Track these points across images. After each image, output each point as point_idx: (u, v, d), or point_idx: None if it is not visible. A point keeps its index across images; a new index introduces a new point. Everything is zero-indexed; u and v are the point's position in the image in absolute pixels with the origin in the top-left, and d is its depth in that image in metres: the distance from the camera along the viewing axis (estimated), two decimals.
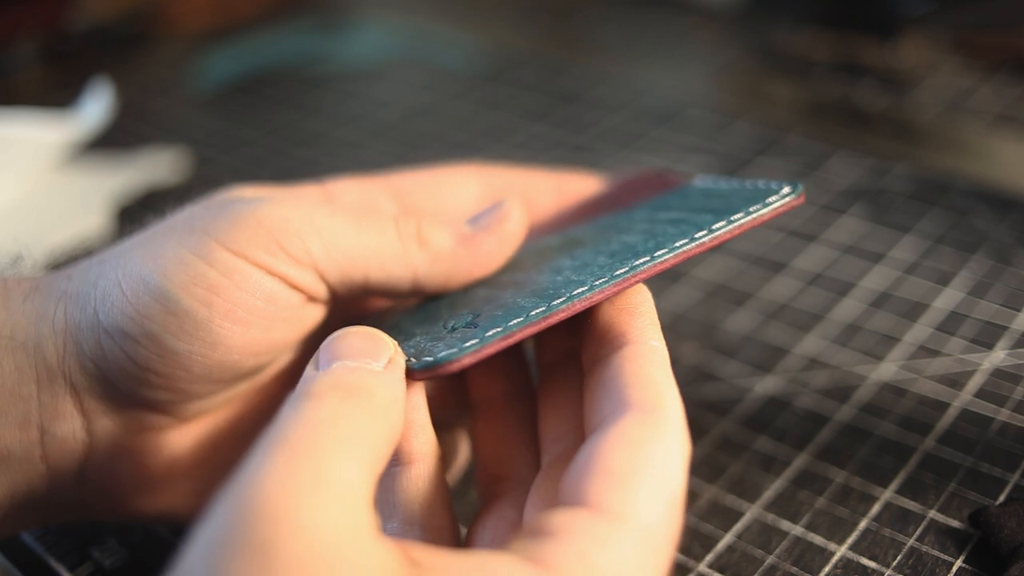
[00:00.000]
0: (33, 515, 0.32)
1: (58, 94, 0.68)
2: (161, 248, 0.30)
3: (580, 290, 0.28)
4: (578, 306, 0.28)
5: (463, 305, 0.31)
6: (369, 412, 0.25)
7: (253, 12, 0.82)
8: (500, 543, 0.27)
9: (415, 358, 0.28)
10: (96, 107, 0.61)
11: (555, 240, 0.34)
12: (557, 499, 0.26)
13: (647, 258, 0.29)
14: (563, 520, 0.24)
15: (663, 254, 0.29)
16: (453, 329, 0.29)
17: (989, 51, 0.65)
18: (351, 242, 0.31)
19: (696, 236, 0.29)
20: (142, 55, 0.77)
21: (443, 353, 0.28)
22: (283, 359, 0.33)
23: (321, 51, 0.76)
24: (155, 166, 0.59)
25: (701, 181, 0.35)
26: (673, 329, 0.45)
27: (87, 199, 0.56)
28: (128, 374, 0.30)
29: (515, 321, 0.28)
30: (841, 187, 0.54)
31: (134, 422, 0.32)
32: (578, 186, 0.38)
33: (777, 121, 0.61)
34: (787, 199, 0.30)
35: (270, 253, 0.30)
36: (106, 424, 0.31)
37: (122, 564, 0.36)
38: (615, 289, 0.28)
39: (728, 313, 0.46)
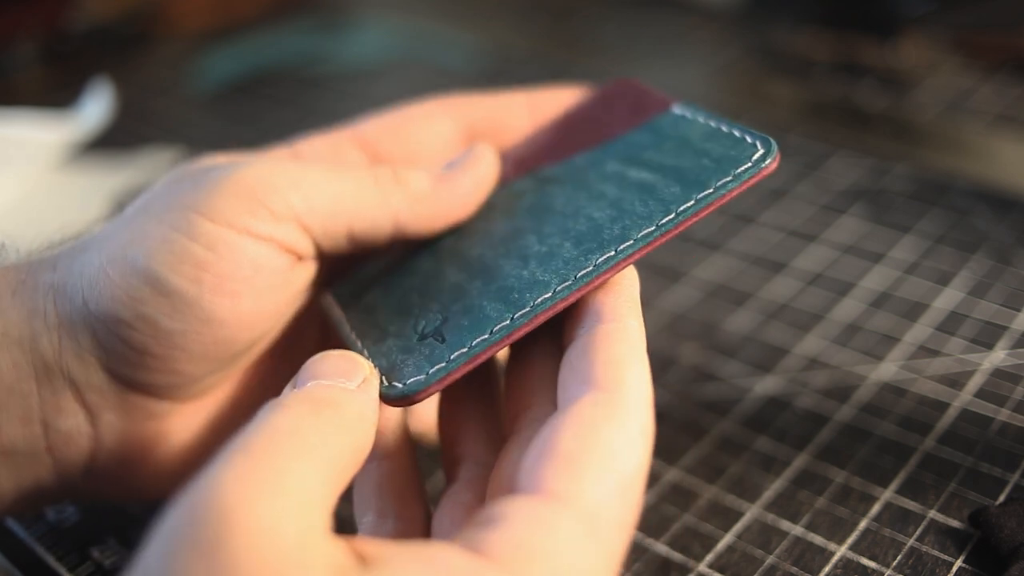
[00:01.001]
0: (42, 502, 0.33)
1: (58, 94, 0.68)
2: (143, 228, 0.30)
3: (543, 298, 0.29)
4: (541, 318, 0.28)
5: (434, 291, 0.31)
6: (335, 424, 0.25)
7: (253, 12, 0.82)
8: (458, 528, 0.27)
9: (386, 378, 0.29)
10: (96, 107, 0.61)
11: (528, 185, 0.34)
12: (514, 484, 0.26)
13: (611, 252, 0.29)
14: (507, 507, 0.24)
15: (627, 247, 0.29)
16: (423, 337, 0.30)
17: (989, 51, 0.65)
18: (330, 191, 0.31)
19: (662, 223, 0.29)
20: (142, 55, 0.77)
21: (411, 381, 0.29)
22: (276, 331, 0.33)
23: (321, 51, 0.76)
24: (155, 166, 0.59)
25: (679, 109, 0.33)
26: (673, 329, 0.45)
27: (87, 199, 0.56)
28: (126, 360, 0.30)
29: (479, 340, 0.29)
30: (841, 187, 0.54)
31: (138, 411, 0.32)
32: (552, 103, 0.38)
33: (777, 121, 0.61)
34: (761, 168, 0.29)
35: (252, 214, 0.30)
36: (110, 417, 0.31)
37: (122, 564, 0.36)
38: (579, 293, 0.28)
39: (728, 313, 0.46)
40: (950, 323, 0.44)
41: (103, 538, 0.37)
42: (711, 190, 0.29)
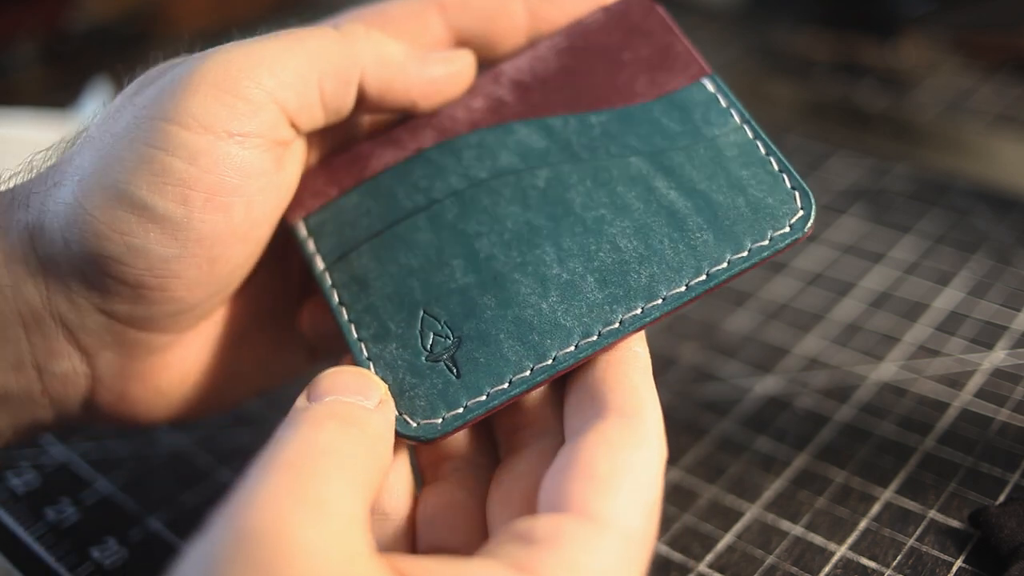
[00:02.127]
0: (40, 433, 0.33)
1: (58, 94, 0.68)
2: (115, 151, 0.28)
3: (566, 352, 0.28)
4: (561, 373, 0.28)
5: (439, 291, 0.30)
6: (363, 443, 0.26)
7: (252, 12, 0.82)
8: (451, 531, 0.28)
9: (398, 406, 0.29)
10: (96, 107, 0.61)
11: (536, 140, 0.32)
12: (534, 499, 0.26)
13: (638, 311, 0.28)
14: (549, 526, 0.24)
15: (654, 308, 0.28)
16: (433, 358, 0.29)
17: (989, 51, 0.65)
18: (297, 54, 0.29)
19: (692, 284, 0.28)
20: (142, 55, 0.77)
21: (425, 423, 0.28)
22: (262, 246, 0.32)
23: None
24: None
25: (711, 86, 0.31)
26: (673, 329, 0.45)
27: None
28: (121, 297, 0.29)
29: (497, 389, 0.28)
30: (841, 187, 0.54)
31: (137, 347, 0.30)
32: (557, 8, 0.34)
33: (777, 121, 0.61)
34: (798, 236, 0.28)
35: (230, 109, 0.28)
36: (108, 355, 0.30)
37: (122, 564, 0.36)
38: (601, 349, 0.28)
39: (728, 313, 0.46)
40: (950, 323, 0.44)
41: (103, 538, 0.37)
42: (745, 254, 0.28)
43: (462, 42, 0.34)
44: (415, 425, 0.29)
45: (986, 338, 0.43)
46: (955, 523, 0.35)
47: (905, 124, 0.60)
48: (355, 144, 0.34)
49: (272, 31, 0.33)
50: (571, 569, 0.23)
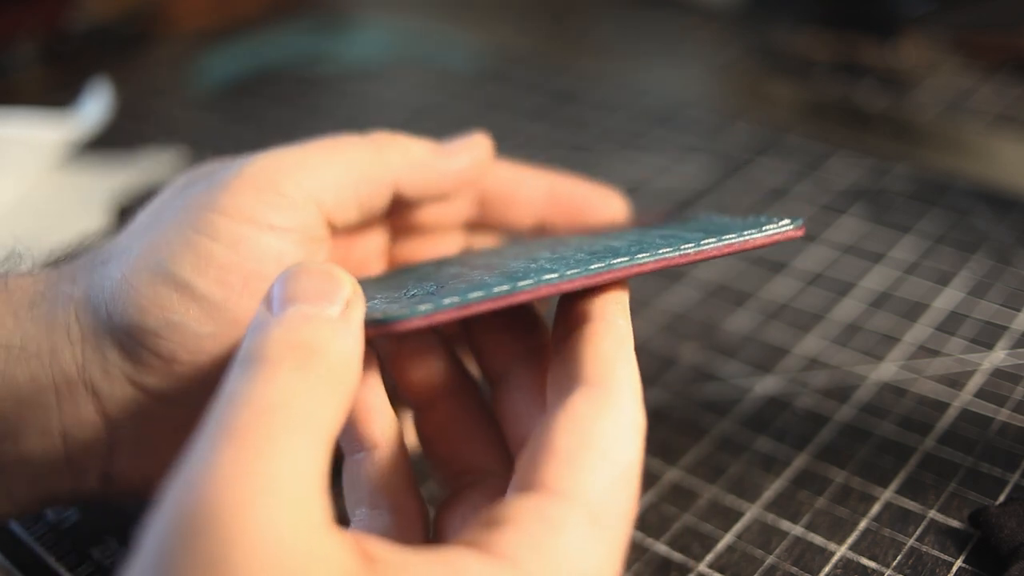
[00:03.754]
0: (54, 505, 0.33)
1: (58, 94, 0.68)
2: (162, 234, 0.30)
3: (549, 276, 0.27)
4: (543, 291, 0.27)
5: (431, 278, 0.31)
6: (324, 381, 0.23)
7: (253, 12, 0.82)
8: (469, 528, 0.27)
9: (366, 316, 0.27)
10: (96, 107, 0.61)
11: (543, 241, 0.34)
12: (514, 484, 0.26)
13: (626, 259, 0.28)
14: (514, 507, 0.24)
15: (644, 257, 0.28)
16: (412, 296, 0.28)
17: (989, 51, 0.65)
18: (337, 161, 0.32)
19: (682, 248, 0.29)
20: (142, 55, 0.77)
21: (395, 312, 0.26)
22: None
23: (321, 51, 0.76)
24: (155, 166, 0.59)
25: (706, 213, 0.35)
26: (673, 329, 0.45)
27: (87, 199, 0.56)
28: (153, 370, 0.30)
29: (476, 294, 0.27)
30: (841, 187, 0.54)
31: (159, 422, 0.31)
32: (574, 194, 0.38)
33: (777, 121, 0.61)
34: (785, 229, 0.29)
35: (270, 205, 0.30)
36: (130, 428, 0.31)
37: (122, 564, 0.36)
38: (586, 281, 0.27)
39: (728, 313, 0.46)
40: (950, 323, 0.44)
41: (103, 538, 0.37)
42: (734, 235, 0.29)
43: (485, 200, 0.38)
44: (380, 316, 0.26)
45: (986, 338, 0.43)
46: (955, 523, 0.35)
47: (905, 124, 0.60)
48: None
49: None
50: (538, 549, 0.23)
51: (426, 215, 0.37)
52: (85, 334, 0.30)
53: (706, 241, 0.29)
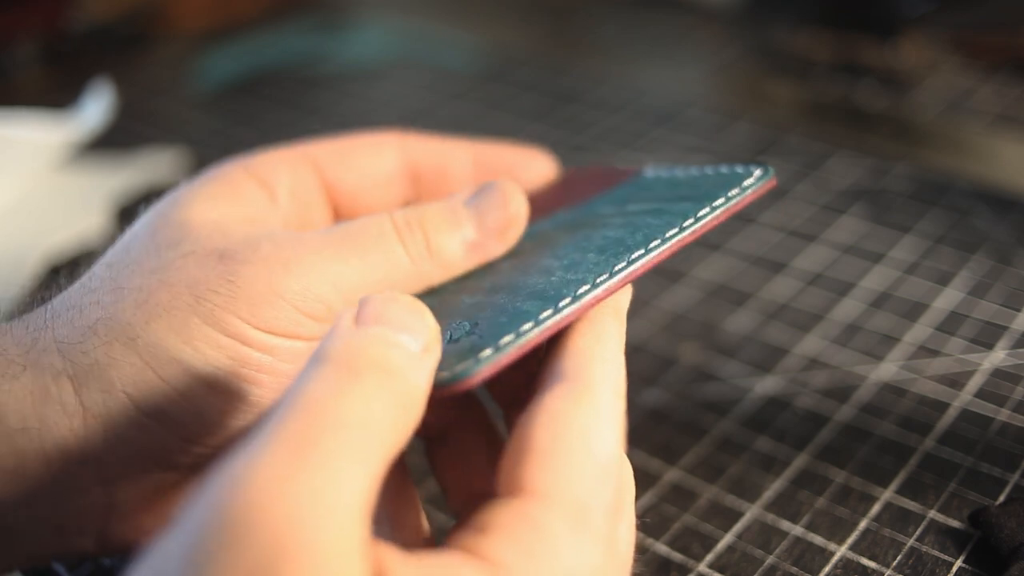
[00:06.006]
0: (44, 563, 0.32)
1: (58, 94, 0.68)
2: (184, 326, 0.29)
3: (584, 288, 0.27)
4: (587, 305, 0.27)
5: (451, 314, 0.30)
6: (397, 405, 0.23)
7: (253, 12, 0.82)
8: None
9: None
10: (96, 107, 0.61)
11: (527, 243, 0.33)
12: (497, 486, 0.25)
13: (641, 251, 0.29)
14: (500, 511, 0.24)
15: (657, 245, 0.29)
16: (454, 340, 0.27)
17: (989, 51, 0.65)
18: (366, 280, 0.30)
19: (685, 225, 0.29)
20: (142, 55, 0.77)
21: (460, 367, 0.26)
22: None
23: (321, 51, 0.76)
24: (155, 166, 0.59)
25: (653, 171, 0.34)
26: (673, 329, 0.45)
27: (87, 199, 0.56)
28: (170, 448, 0.29)
29: (527, 326, 0.26)
30: (841, 187, 0.54)
31: (158, 482, 0.30)
32: (499, 158, 0.38)
33: (777, 121, 0.61)
34: (762, 181, 0.30)
35: (298, 325, 0.30)
36: (130, 490, 0.30)
37: (122, 564, 0.36)
38: (618, 285, 0.28)
39: (728, 313, 0.46)
40: (950, 323, 0.44)
41: None
42: (722, 199, 0.30)
43: (416, 177, 0.37)
44: (448, 374, 0.26)
45: (986, 338, 0.43)
46: (955, 523, 0.35)
47: (905, 124, 0.60)
48: None
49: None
50: (526, 553, 0.23)
51: (366, 200, 0.37)
52: (87, 409, 0.29)
53: (702, 213, 0.29)
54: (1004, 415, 0.39)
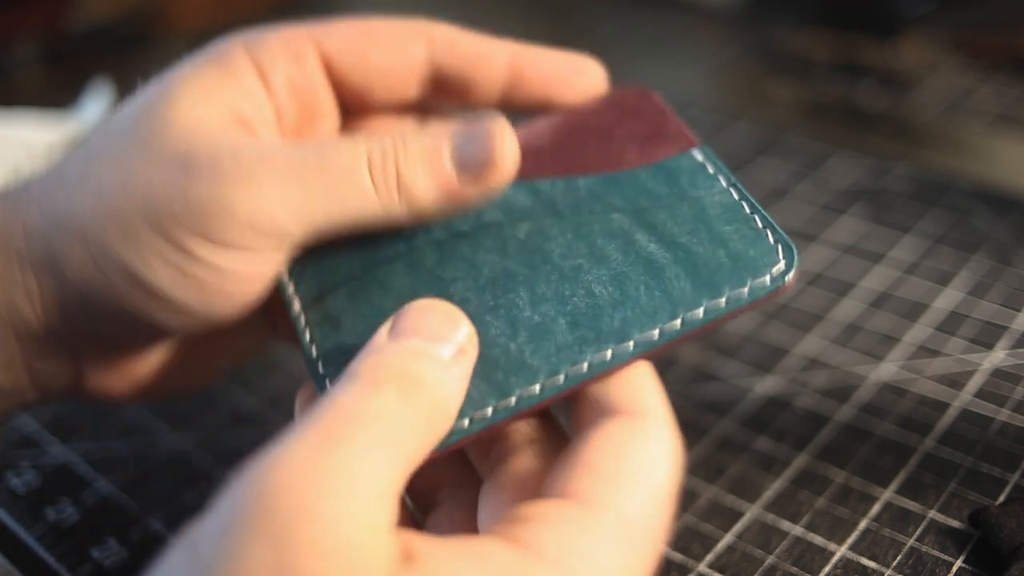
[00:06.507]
0: (20, 409, 0.35)
1: (58, 94, 0.68)
2: (135, 233, 0.29)
3: (530, 394, 0.27)
4: (524, 414, 0.27)
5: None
6: (420, 411, 0.24)
7: (253, 12, 0.81)
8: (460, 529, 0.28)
9: None
10: (96, 107, 0.61)
11: (523, 199, 0.32)
12: (533, 493, 0.26)
13: (608, 353, 0.27)
14: (546, 506, 0.24)
15: (624, 352, 0.27)
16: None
17: (989, 51, 0.65)
18: (325, 210, 0.30)
19: (665, 329, 0.27)
20: (142, 55, 0.77)
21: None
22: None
23: None
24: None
25: (699, 155, 0.31)
26: None
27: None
28: (123, 335, 0.32)
29: (456, 424, 0.27)
30: (841, 187, 0.54)
31: (121, 352, 0.33)
32: (541, 67, 0.34)
33: (777, 121, 0.61)
34: (779, 287, 0.27)
35: (251, 242, 0.30)
36: (93, 359, 0.33)
37: (122, 564, 0.36)
38: (567, 393, 0.27)
39: None
40: (950, 323, 0.44)
41: (103, 538, 0.37)
42: (723, 303, 0.27)
43: (440, 79, 0.34)
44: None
45: (986, 338, 0.43)
46: (955, 523, 0.35)
47: (905, 124, 0.60)
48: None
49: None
50: (565, 546, 0.23)
51: (377, 101, 0.35)
52: (45, 294, 0.31)
53: (691, 318, 0.27)
54: (1004, 415, 0.39)
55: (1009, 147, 0.57)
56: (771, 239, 0.28)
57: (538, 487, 0.26)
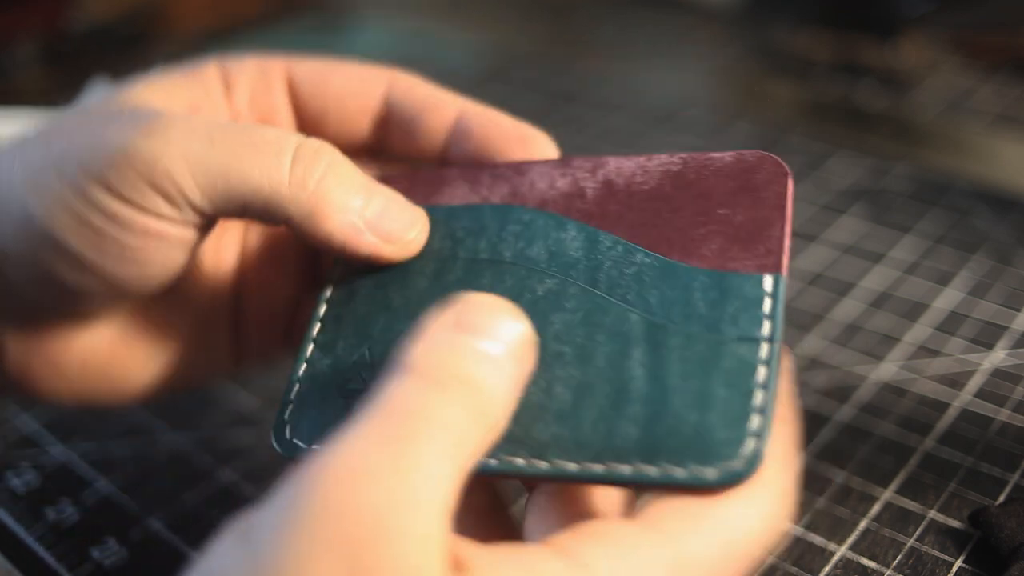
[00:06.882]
0: None
1: (58, 94, 0.68)
2: (45, 181, 0.29)
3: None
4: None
5: (388, 344, 0.29)
6: (475, 413, 0.23)
7: (253, 12, 0.81)
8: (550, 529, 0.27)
9: None
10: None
11: (578, 247, 0.30)
12: (584, 505, 0.26)
13: (521, 462, 0.26)
14: (606, 526, 0.24)
15: (534, 468, 0.26)
16: (341, 394, 0.28)
17: (989, 51, 0.65)
18: (230, 177, 0.29)
19: (584, 468, 0.26)
20: (142, 55, 0.77)
21: (290, 443, 0.28)
22: (192, 265, 0.33)
23: (321, 51, 0.76)
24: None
25: (770, 285, 0.27)
26: None
27: None
28: (29, 299, 0.31)
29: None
30: (841, 187, 0.54)
31: (37, 322, 0.32)
32: (488, 131, 0.33)
33: (777, 121, 0.61)
34: (705, 486, 0.24)
35: (144, 197, 0.29)
36: (9, 327, 0.32)
37: (122, 564, 0.36)
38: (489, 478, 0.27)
39: None
40: (950, 323, 0.44)
41: (103, 538, 0.37)
42: (652, 472, 0.25)
43: (392, 121, 0.34)
44: (280, 444, 0.28)
45: (986, 338, 0.43)
46: (955, 523, 0.35)
47: (905, 124, 0.60)
48: (447, 165, 0.34)
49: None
50: (613, 566, 0.23)
51: (330, 130, 0.34)
52: None
53: (614, 470, 0.25)
54: (1004, 415, 0.39)
55: (1009, 147, 0.57)
56: (752, 426, 0.25)
57: (589, 498, 0.26)
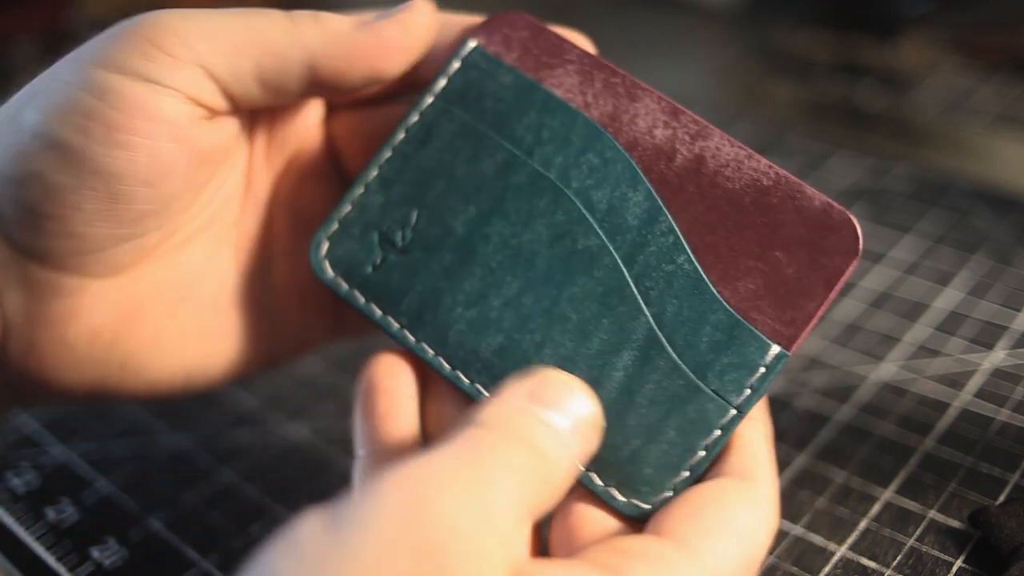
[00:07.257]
0: None
1: None
2: (37, 85, 0.29)
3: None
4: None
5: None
6: (539, 476, 0.24)
7: None
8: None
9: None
10: None
11: (642, 208, 0.29)
12: (652, 528, 0.27)
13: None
14: (643, 542, 0.25)
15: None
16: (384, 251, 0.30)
17: (989, 51, 0.65)
18: (236, 25, 0.29)
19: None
20: None
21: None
22: (191, 202, 0.31)
23: None
24: None
25: (773, 355, 0.27)
26: None
27: None
28: (20, 223, 0.29)
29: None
30: (841, 187, 0.54)
31: (43, 287, 0.30)
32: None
33: (777, 121, 0.61)
34: (623, 512, 0.28)
35: (147, 58, 0.28)
36: (14, 295, 0.30)
37: (122, 564, 0.36)
38: None
39: None
40: (950, 323, 0.44)
41: (103, 538, 0.37)
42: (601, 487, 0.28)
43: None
44: (314, 258, 0.31)
45: (986, 338, 0.43)
46: (955, 523, 0.35)
47: (905, 124, 0.60)
48: (570, 43, 0.34)
49: None
50: None
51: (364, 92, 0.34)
52: None
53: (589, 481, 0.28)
54: (1004, 415, 0.39)
55: (1009, 147, 0.57)
56: (675, 480, 0.27)
57: (608, 511, 0.28)
